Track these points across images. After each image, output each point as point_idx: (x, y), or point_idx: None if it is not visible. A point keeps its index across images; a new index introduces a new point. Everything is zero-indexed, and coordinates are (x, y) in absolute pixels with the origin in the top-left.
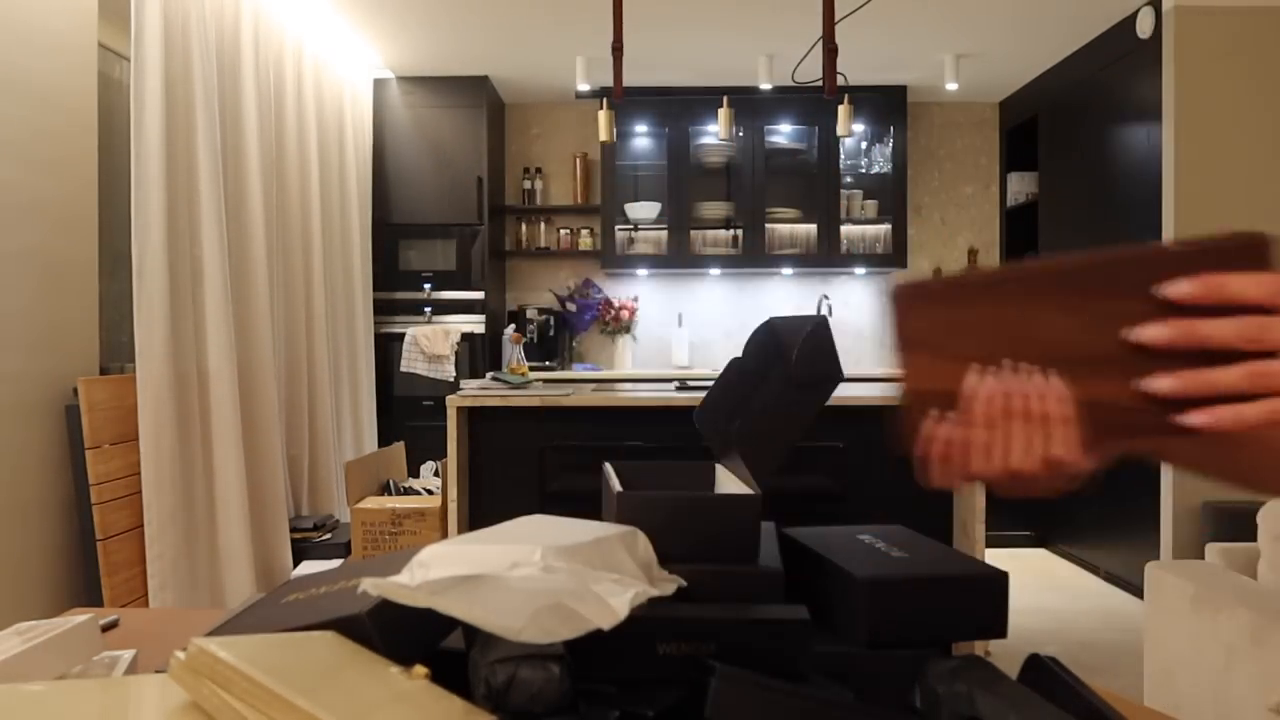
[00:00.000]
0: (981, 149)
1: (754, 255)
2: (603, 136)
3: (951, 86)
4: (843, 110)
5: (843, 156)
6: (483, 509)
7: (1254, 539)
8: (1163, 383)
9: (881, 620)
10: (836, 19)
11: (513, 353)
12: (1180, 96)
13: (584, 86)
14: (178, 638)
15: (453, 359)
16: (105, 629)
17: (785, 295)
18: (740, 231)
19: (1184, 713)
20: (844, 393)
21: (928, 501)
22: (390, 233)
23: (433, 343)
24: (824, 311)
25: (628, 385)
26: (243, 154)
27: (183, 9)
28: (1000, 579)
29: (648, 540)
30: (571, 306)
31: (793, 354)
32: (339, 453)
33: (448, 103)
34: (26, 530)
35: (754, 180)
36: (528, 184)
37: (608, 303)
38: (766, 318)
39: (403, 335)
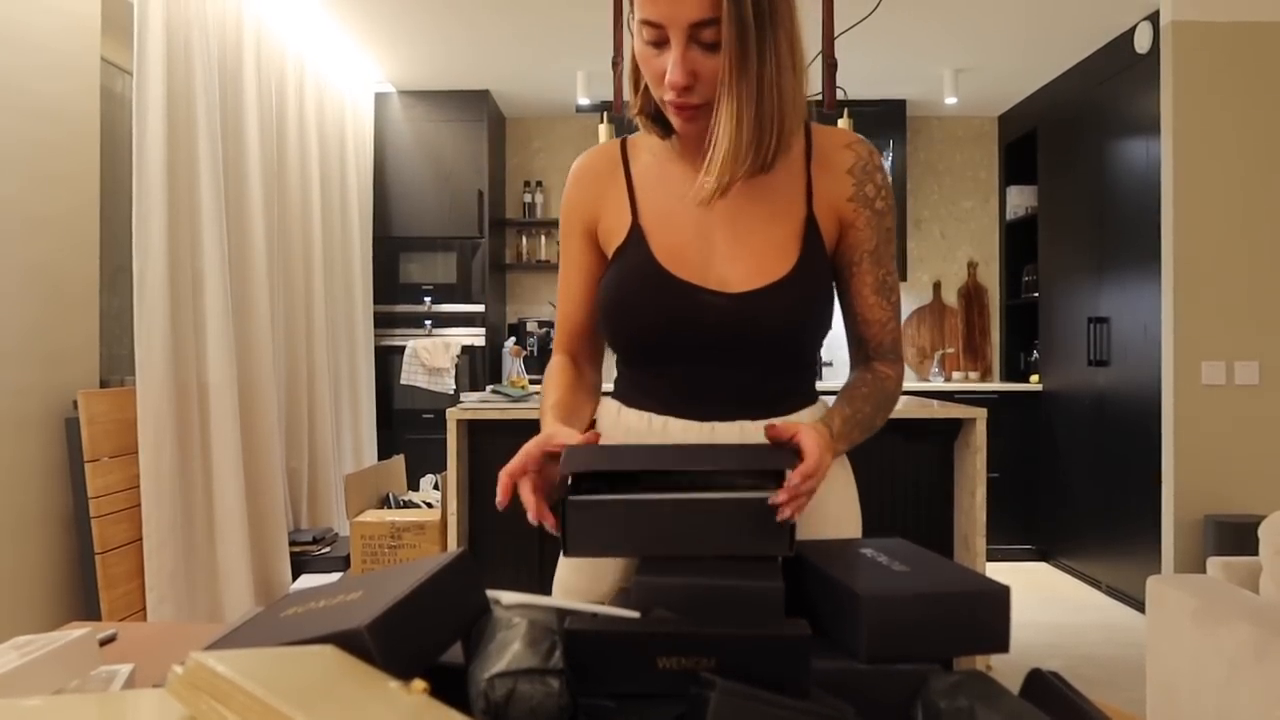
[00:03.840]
0: (981, 163)
1: None
2: None
3: (951, 100)
4: (842, 124)
5: None
6: (482, 522)
7: (1256, 553)
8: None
9: (883, 636)
10: (836, 33)
11: (513, 366)
12: (1178, 111)
13: (584, 100)
14: (176, 652)
15: (453, 372)
16: (103, 643)
17: None
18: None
19: None
20: None
21: (928, 514)
22: (391, 246)
23: (433, 356)
24: None
25: None
26: (244, 167)
27: (185, 23)
28: (1002, 593)
29: None
30: None
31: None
32: (338, 466)
33: (449, 116)
34: (25, 543)
35: None
36: (528, 197)
37: None
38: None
39: (403, 348)
